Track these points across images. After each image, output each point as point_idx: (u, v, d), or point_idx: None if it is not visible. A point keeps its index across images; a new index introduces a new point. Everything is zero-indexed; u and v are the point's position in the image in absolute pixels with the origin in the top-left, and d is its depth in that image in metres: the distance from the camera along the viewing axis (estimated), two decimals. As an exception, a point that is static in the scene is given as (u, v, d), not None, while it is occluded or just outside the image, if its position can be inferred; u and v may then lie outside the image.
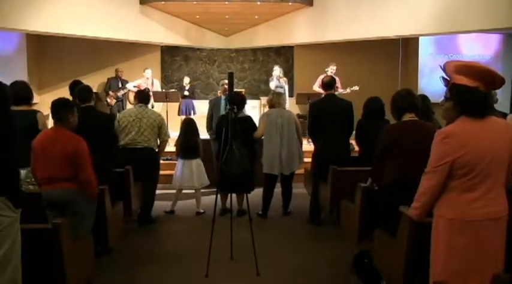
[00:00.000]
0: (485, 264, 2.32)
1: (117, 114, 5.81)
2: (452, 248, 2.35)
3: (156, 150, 5.23)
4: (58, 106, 3.54)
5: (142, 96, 5.32)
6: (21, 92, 4.00)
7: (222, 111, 6.10)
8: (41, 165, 3.45)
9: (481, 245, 2.32)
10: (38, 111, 4.12)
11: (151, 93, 8.53)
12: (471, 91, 2.30)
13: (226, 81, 6.83)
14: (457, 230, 2.33)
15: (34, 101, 9.55)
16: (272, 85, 9.17)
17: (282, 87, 9.29)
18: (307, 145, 7.65)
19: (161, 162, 7.36)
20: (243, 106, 5.64)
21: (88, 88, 4.60)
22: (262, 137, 5.49)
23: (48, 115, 3.79)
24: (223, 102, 6.38)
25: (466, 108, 2.33)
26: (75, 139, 3.46)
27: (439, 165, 2.34)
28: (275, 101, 5.54)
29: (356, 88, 8.82)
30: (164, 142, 5.31)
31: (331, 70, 8.86)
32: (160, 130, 5.15)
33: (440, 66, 2.47)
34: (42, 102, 9.71)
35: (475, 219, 2.30)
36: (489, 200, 2.31)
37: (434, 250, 2.44)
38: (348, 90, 8.85)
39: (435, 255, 2.43)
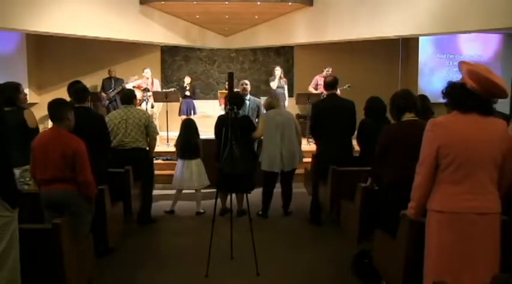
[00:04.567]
0: (476, 262, 2.34)
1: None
2: (442, 244, 2.38)
3: (147, 149, 5.20)
4: (55, 106, 3.52)
5: (126, 97, 5.28)
6: (5, 94, 4.01)
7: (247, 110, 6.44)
8: (40, 165, 3.45)
9: (471, 242, 2.34)
10: (26, 109, 4.12)
11: (150, 93, 8.57)
12: (458, 87, 2.39)
13: (246, 81, 6.97)
14: (447, 225, 2.36)
15: (34, 101, 9.66)
16: (273, 85, 9.29)
17: (282, 87, 9.39)
18: (307, 145, 7.67)
19: (161, 162, 7.43)
20: (242, 106, 5.68)
21: (83, 89, 4.57)
22: (262, 137, 5.51)
23: (47, 115, 3.79)
24: (247, 102, 6.61)
25: (449, 101, 2.44)
26: (74, 141, 3.44)
27: (426, 154, 2.42)
28: (274, 103, 5.61)
29: (346, 87, 8.76)
30: (153, 140, 5.26)
31: (326, 72, 9.00)
32: (148, 128, 5.11)
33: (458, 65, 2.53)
34: (43, 102, 9.73)
35: (462, 211, 2.34)
36: (477, 194, 2.35)
37: (427, 247, 2.48)
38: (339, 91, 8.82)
39: (428, 251, 2.47)
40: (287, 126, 5.43)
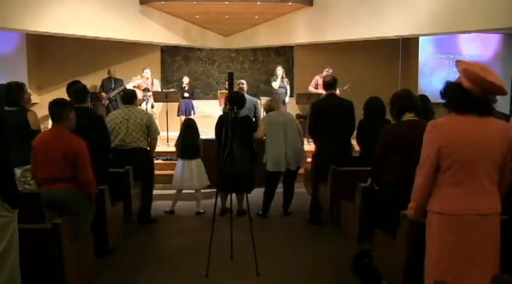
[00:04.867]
0: (477, 263, 2.34)
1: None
2: (443, 245, 2.37)
3: (148, 149, 5.20)
4: (56, 106, 3.54)
5: (127, 97, 5.29)
6: (10, 93, 4.03)
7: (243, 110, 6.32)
8: (41, 165, 3.46)
9: (471, 242, 2.33)
10: (29, 110, 4.13)
11: (150, 93, 8.56)
12: (454, 87, 2.37)
13: (243, 81, 6.99)
14: (447, 226, 2.36)
15: (34, 101, 9.66)
16: (275, 85, 9.31)
17: (284, 87, 9.42)
18: (307, 145, 7.66)
19: (161, 162, 7.43)
20: (243, 106, 5.67)
21: (82, 89, 4.55)
22: (263, 138, 5.51)
23: (48, 115, 3.79)
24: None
25: (447, 101, 2.43)
26: (75, 140, 3.46)
27: (427, 156, 2.40)
28: (274, 105, 5.66)
29: (347, 87, 8.76)
30: (154, 140, 5.25)
31: (326, 72, 8.99)
32: (149, 128, 5.10)
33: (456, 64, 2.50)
34: (43, 102, 9.73)
35: (462, 213, 2.33)
36: (477, 196, 2.34)
37: (427, 247, 2.47)
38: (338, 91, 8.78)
39: (428, 252, 2.47)
40: (289, 126, 5.45)
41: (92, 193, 3.59)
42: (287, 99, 9.53)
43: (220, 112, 7.24)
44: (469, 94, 2.32)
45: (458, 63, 2.43)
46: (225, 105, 6.38)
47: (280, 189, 5.67)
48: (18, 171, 3.88)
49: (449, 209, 2.35)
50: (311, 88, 9.31)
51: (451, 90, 2.41)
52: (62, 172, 3.41)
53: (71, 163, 3.41)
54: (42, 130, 4.48)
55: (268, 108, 5.71)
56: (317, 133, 5.19)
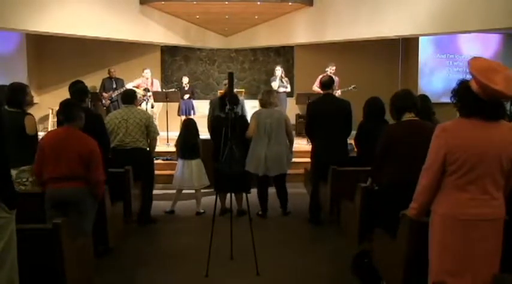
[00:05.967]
0: (478, 265, 2.33)
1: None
2: (445, 246, 2.37)
3: (147, 149, 5.19)
4: (69, 106, 3.62)
5: (127, 97, 5.28)
6: (13, 94, 4.00)
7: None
8: (50, 164, 3.46)
9: (474, 245, 2.33)
10: (28, 115, 4.05)
11: (150, 93, 8.56)
12: (463, 88, 2.33)
13: (225, 81, 6.94)
14: (450, 228, 2.35)
15: (34, 101, 9.65)
16: (275, 85, 9.25)
17: (285, 87, 9.39)
18: (307, 145, 7.67)
19: (161, 162, 7.43)
20: (237, 106, 5.62)
21: (82, 89, 4.52)
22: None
23: (48, 115, 3.78)
24: (227, 101, 6.47)
25: (455, 102, 2.39)
26: (90, 140, 3.52)
27: (433, 160, 2.38)
28: (266, 100, 5.44)
29: (352, 88, 8.77)
30: (154, 140, 5.24)
31: (330, 70, 8.86)
32: (149, 128, 5.09)
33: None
34: (42, 102, 9.75)
35: (466, 218, 2.32)
36: (483, 201, 2.32)
37: (430, 248, 2.47)
38: (340, 92, 8.75)
39: (431, 253, 2.46)
40: (276, 128, 5.29)
41: (101, 193, 3.66)
42: (281, 89, 9.39)
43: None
44: (478, 99, 2.27)
45: (469, 63, 2.34)
46: (211, 106, 6.34)
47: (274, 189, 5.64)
48: (13, 172, 3.87)
49: (453, 213, 2.34)
50: (315, 88, 9.23)
51: (461, 90, 2.36)
52: (75, 171, 3.44)
53: (86, 163, 3.45)
54: (42, 130, 4.47)
55: (261, 104, 5.54)
56: (314, 132, 5.18)
